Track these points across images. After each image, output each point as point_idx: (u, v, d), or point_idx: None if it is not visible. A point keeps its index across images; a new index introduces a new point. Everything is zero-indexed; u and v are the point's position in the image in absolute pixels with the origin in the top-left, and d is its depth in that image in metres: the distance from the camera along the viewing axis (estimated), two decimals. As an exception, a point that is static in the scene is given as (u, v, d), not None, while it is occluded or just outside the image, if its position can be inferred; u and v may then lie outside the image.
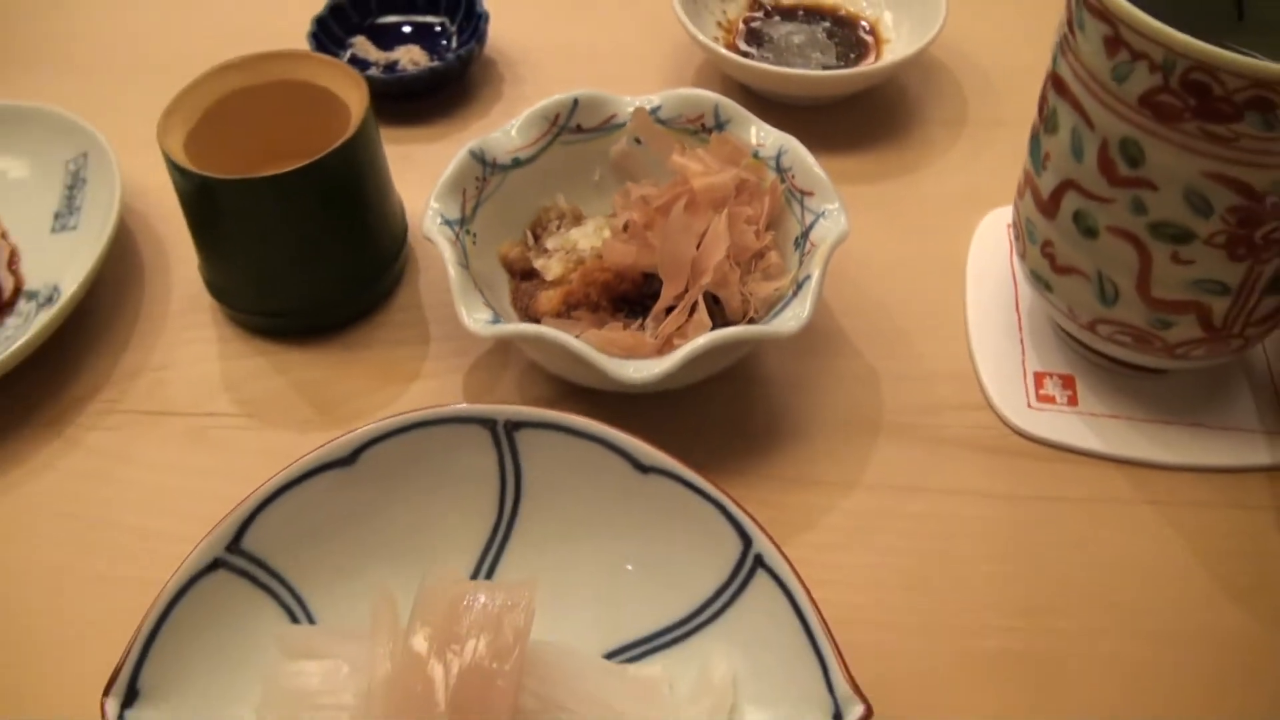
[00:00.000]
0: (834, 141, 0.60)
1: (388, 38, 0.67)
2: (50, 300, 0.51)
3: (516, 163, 0.50)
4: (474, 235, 0.47)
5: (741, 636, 0.36)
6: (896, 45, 0.64)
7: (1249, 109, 0.34)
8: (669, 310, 0.45)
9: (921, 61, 0.65)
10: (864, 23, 0.67)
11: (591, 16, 0.71)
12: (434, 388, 0.49)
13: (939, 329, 0.51)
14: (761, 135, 0.50)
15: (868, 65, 0.63)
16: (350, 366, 0.50)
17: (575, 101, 0.51)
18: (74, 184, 0.56)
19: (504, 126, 0.50)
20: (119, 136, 0.55)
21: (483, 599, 0.33)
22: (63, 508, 0.45)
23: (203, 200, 0.47)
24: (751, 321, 0.45)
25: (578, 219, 0.51)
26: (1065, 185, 0.42)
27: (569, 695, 0.33)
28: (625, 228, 0.48)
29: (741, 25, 0.67)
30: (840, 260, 0.49)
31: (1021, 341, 0.50)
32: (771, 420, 0.47)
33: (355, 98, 0.49)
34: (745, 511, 0.35)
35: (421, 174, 0.51)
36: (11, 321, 0.51)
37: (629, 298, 0.47)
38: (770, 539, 0.35)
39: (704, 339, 0.41)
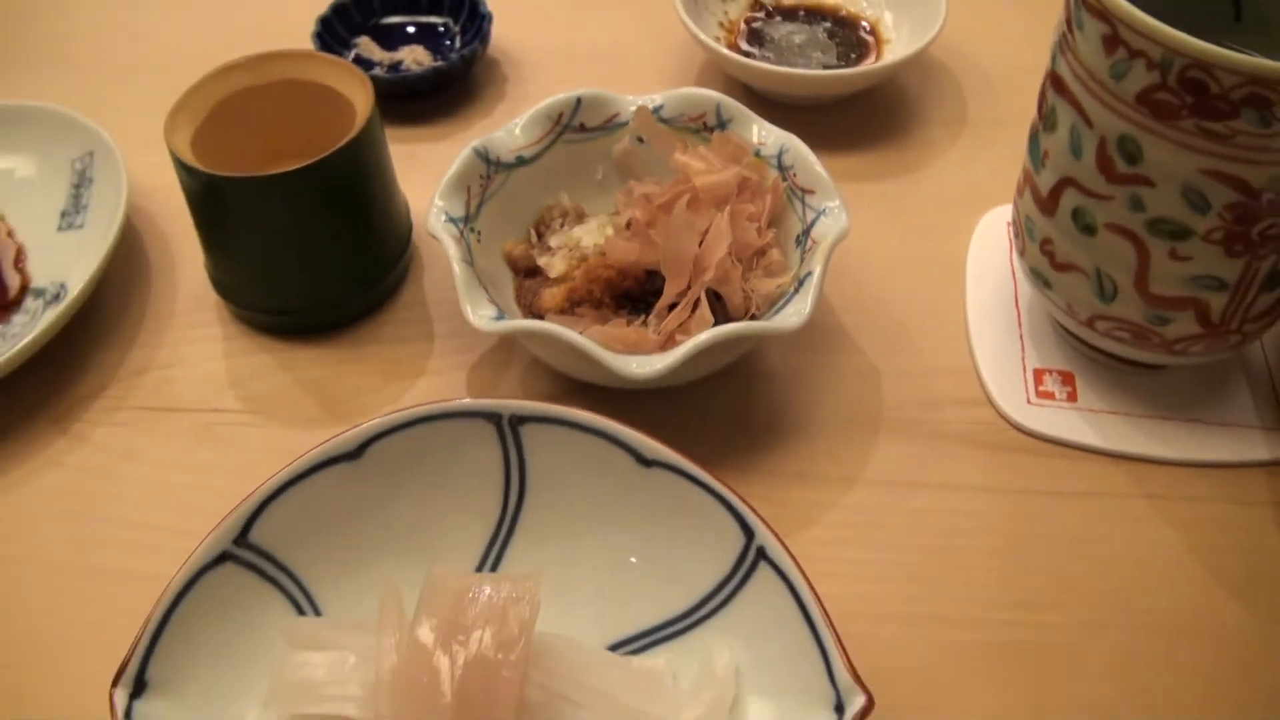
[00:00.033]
0: (835, 140, 0.60)
1: (391, 38, 0.67)
2: (57, 298, 0.51)
3: (520, 161, 0.50)
4: (478, 233, 0.48)
5: (744, 628, 0.36)
6: (897, 45, 0.65)
7: (1245, 106, 0.35)
8: (672, 307, 0.45)
9: (921, 61, 0.65)
10: (864, 23, 0.67)
11: (594, 17, 0.71)
12: (439, 384, 0.49)
13: (939, 326, 0.51)
14: (763, 134, 0.50)
15: (868, 65, 0.63)
16: (355, 363, 0.50)
17: (578, 101, 0.51)
18: (80, 183, 0.56)
19: (508, 125, 0.50)
20: (121, 136, 0.55)
21: (488, 591, 0.33)
22: (69, 504, 0.45)
23: (209, 199, 0.48)
24: (753, 318, 0.45)
25: (581, 217, 0.52)
26: (1064, 183, 0.42)
27: (574, 687, 0.34)
28: (628, 225, 0.48)
29: (743, 25, 0.67)
30: (841, 257, 0.50)
31: (1021, 338, 0.50)
32: (773, 416, 0.48)
33: (360, 97, 0.49)
34: (748, 504, 0.36)
35: (426, 173, 0.51)
36: (19, 319, 0.51)
37: (632, 295, 0.48)
38: (772, 532, 0.35)
39: (706, 335, 0.41)
